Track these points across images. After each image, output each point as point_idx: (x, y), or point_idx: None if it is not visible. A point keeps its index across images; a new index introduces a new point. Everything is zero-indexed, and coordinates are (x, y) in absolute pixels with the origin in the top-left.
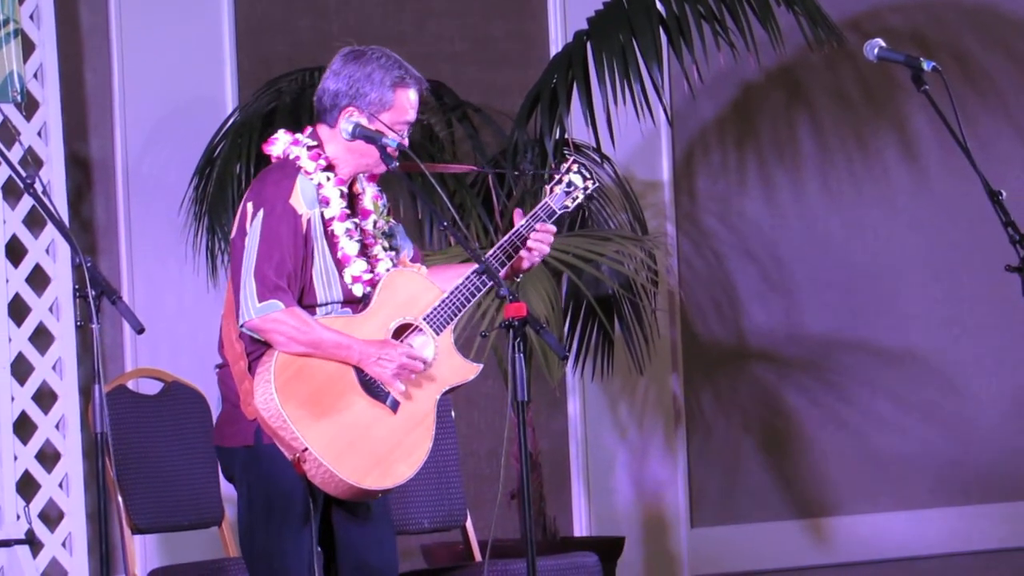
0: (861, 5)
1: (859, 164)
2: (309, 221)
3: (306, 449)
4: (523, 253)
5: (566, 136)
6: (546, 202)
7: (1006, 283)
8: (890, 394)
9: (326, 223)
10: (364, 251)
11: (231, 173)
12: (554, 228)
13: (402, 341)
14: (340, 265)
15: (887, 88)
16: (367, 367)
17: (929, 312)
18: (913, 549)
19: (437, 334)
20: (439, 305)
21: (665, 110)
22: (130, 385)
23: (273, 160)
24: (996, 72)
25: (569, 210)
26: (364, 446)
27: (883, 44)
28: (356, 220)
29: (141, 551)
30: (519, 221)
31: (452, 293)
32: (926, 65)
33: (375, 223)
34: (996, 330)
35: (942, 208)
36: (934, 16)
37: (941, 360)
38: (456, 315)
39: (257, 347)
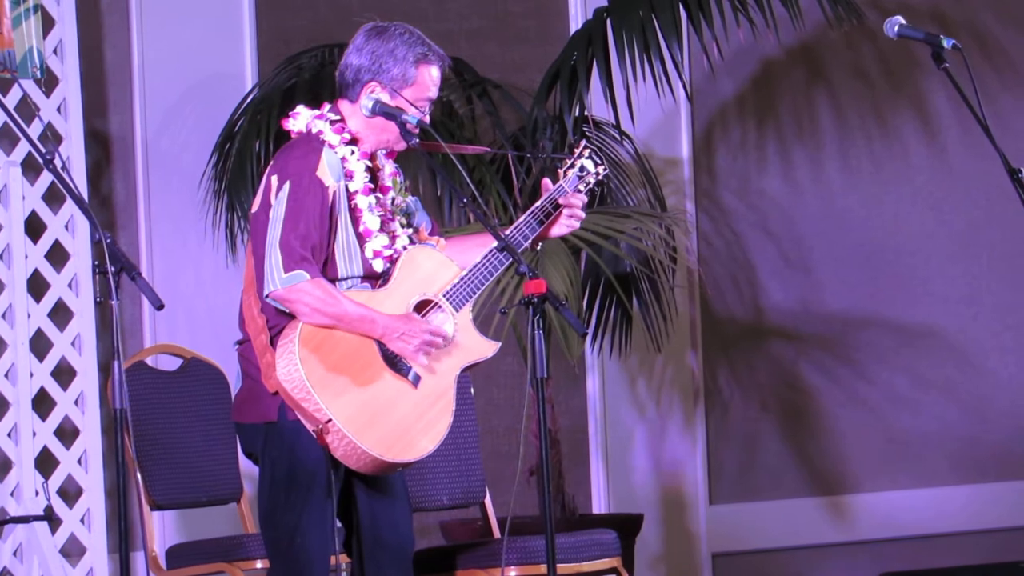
0: None
1: (878, 142)
2: (335, 194)
3: (329, 420)
4: (564, 221)
5: (585, 113)
6: (560, 184)
7: None
8: (908, 371)
9: (350, 196)
10: (384, 227)
11: (250, 149)
12: (585, 198)
13: (423, 317)
14: (361, 239)
15: (906, 66)
16: (389, 342)
17: (947, 290)
18: (931, 526)
19: (456, 311)
20: (459, 282)
21: (685, 87)
22: (149, 361)
23: (293, 135)
24: (1015, 50)
25: (581, 194)
26: (387, 419)
27: (903, 21)
28: (379, 195)
29: (159, 527)
30: (546, 192)
31: (472, 271)
32: (946, 43)
33: (393, 199)
34: (1014, 307)
35: (961, 186)
36: None
37: (959, 337)
38: (475, 292)
39: (279, 320)
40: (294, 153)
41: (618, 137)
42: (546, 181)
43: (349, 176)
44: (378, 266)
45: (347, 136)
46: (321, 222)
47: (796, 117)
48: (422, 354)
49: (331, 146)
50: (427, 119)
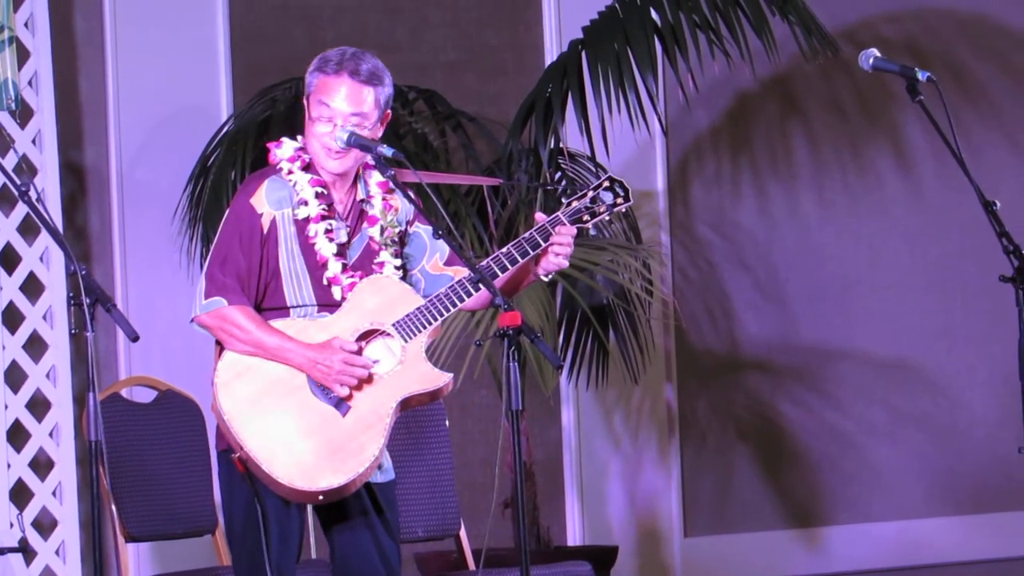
0: (855, 15)
1: (853, 174)
2: (273, 220)
3: (243, 447)
4: (550, 254)
5: (560, 145)
6: (556, 215)
7: (1000, 293)
8: (883, 404)
9: (302, 224)
10: (370, 258)
11: (225, 181)
12: (574, 230)
13: (366, 343)
14: (317, 266)
15: (881, 98)
16: (308, 371)
17: (923, 322)
18: (906, 559)
19: (407, 340)
20: (414, 312)
21: (660, 119)
22: (124, 393)
23: None
24: (989, 82)
25: (586, 225)
26: (304, 447)
27: (878, 54)
28: (333, 221)
29: (134, 559)
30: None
31: (431, 301)
32: (921, 75)
33: (383, 230)
34: (989, 340)
35: (936, 218)
36: (927, 26)
37: (934, 370)
38: (431, 323)
39: None
40: (245, 183)
41: (593, 169)
42: (539, 214)
43: (302, 203)
44: (336, 294)
45: (300, 163)
46: (249, 249)
47: (771, 149)
48: (340, 383)
49: (286, 173)
50: (343, 136)
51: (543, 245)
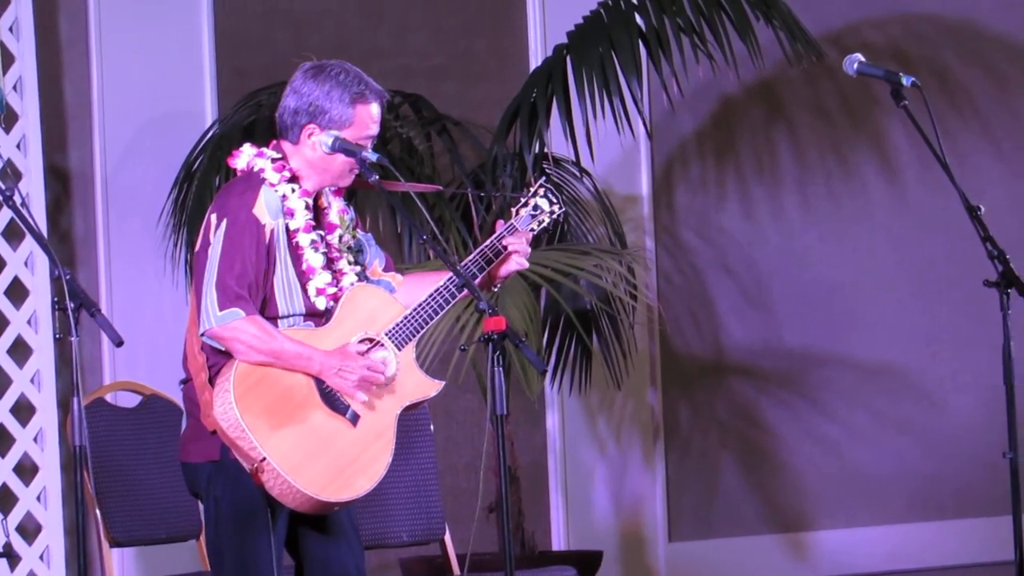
0: (840, 20)
1: (838, 179)
2: (272, 232)
3: (264, 459)
4: (510, 259)
5: (545, 150)
6: (511, 223)
7: (984, 298)
8: (867, 408)
9: (290, 235)
10: (329, 265)
11: (210, 186)
12: (529, 234)
13: (364, 354)
14: (303, 277)
15: (866, 103)
16: (328, 378)
17: (907, 327)
18: (890, 564)
19: (399, 349)
20: (402, 321)
21: (644, 124)
22: (108, 398)
23: (238, 173)
24: (974, 87)
25: (535, 233)
26: (322, 458)
27: (863, 59)
28: (321, 232)
29: (119, 564)
30: (499, 231)
31: (416, 310)
32: (905, 80)
33: (340, 237)
34: (974, 345)
35: (920, 223)
36: (912, 31)
37: (919, 375)
38: (419, 331)
39: (219, 359)
40: (233, 191)
41: (578, 174)
42: (499, 223)
43: (290, 214)
44: (321, 304)
45: (287, 174)
46: (257, 260)
47: (756, 154)
48: (361, 390)
49: (271, 184)
50: (327, 141)
51: (503, 253)
